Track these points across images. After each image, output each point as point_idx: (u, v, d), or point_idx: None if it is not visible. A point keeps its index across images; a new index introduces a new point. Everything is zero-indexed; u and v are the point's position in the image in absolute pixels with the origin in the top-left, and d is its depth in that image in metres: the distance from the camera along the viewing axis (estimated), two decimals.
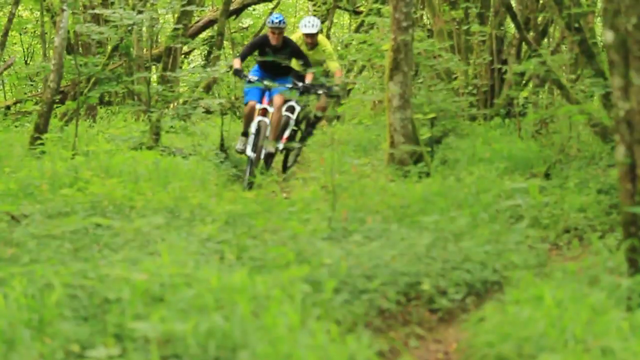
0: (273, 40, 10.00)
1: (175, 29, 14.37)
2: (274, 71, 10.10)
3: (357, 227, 5.62)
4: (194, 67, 16.99)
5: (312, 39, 10.59)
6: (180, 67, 18.34)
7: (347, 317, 4.09)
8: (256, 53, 10.24)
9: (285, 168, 10.52)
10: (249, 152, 9.51)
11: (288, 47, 10.11)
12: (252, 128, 9.65)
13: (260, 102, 9.84)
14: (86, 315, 3.58)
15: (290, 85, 9.83)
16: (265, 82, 9.77)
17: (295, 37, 10.68)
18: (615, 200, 6.91)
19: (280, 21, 10.00)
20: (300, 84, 9.88)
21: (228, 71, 11.12)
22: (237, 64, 9.87)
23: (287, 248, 4.59)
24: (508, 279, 4.91)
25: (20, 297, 3.51)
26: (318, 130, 14.98)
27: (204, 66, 13.28)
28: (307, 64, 10.08)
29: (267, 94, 9.88)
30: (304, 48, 10.52)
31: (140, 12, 11.10)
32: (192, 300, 3.58)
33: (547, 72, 9.53)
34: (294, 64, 10.35)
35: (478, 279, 5.01)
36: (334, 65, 10.57)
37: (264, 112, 9.73)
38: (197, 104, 11.17)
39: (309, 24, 10.57)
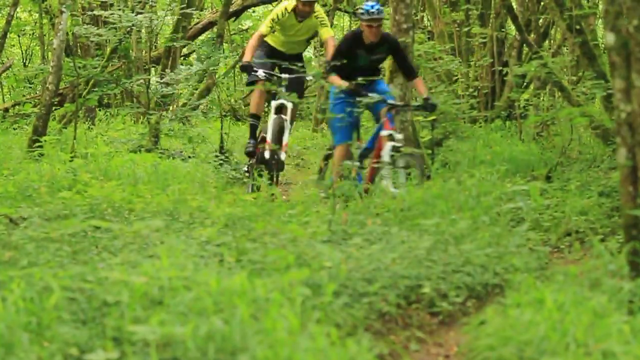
0: (371, 37, 7.85)
1: (174, 30, 14.38)
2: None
3: (357, 230, 5.60)
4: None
5: (310, 8, 8.54)
6: None
7: (347, 320, 4.07)
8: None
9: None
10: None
11: (386, 44, 8.05)
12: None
13: (358, 137, 7.98)
14: (85, 319, 3.56)
15: (391, 102, 7.88)
16: (366, 100, 7.66)
17: (281, 7, 8.68)
18: (617, 202, 6.90)
19: (378, 10, 7.77)
20: (403, 105, 8.16)
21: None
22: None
23: (287, 251, 4.57)
24: (509, 282, 4.89)
25: (19, 300, 3.49)
26: (318, 133, 15.01)
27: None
28: (411, 69, 8.23)
29: (388, 115, 7.81)
30: (292, 20, 8.62)
31: (139, 13, 11.10)
32: (192, 303, 3.56)
33: (548, 74, 9.52)
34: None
35: (479, 282, 5.00)
36: (328, 32, 8.64)
37: (391, 138, 7.73)
38: (197, 107, 11.16)
39: None
